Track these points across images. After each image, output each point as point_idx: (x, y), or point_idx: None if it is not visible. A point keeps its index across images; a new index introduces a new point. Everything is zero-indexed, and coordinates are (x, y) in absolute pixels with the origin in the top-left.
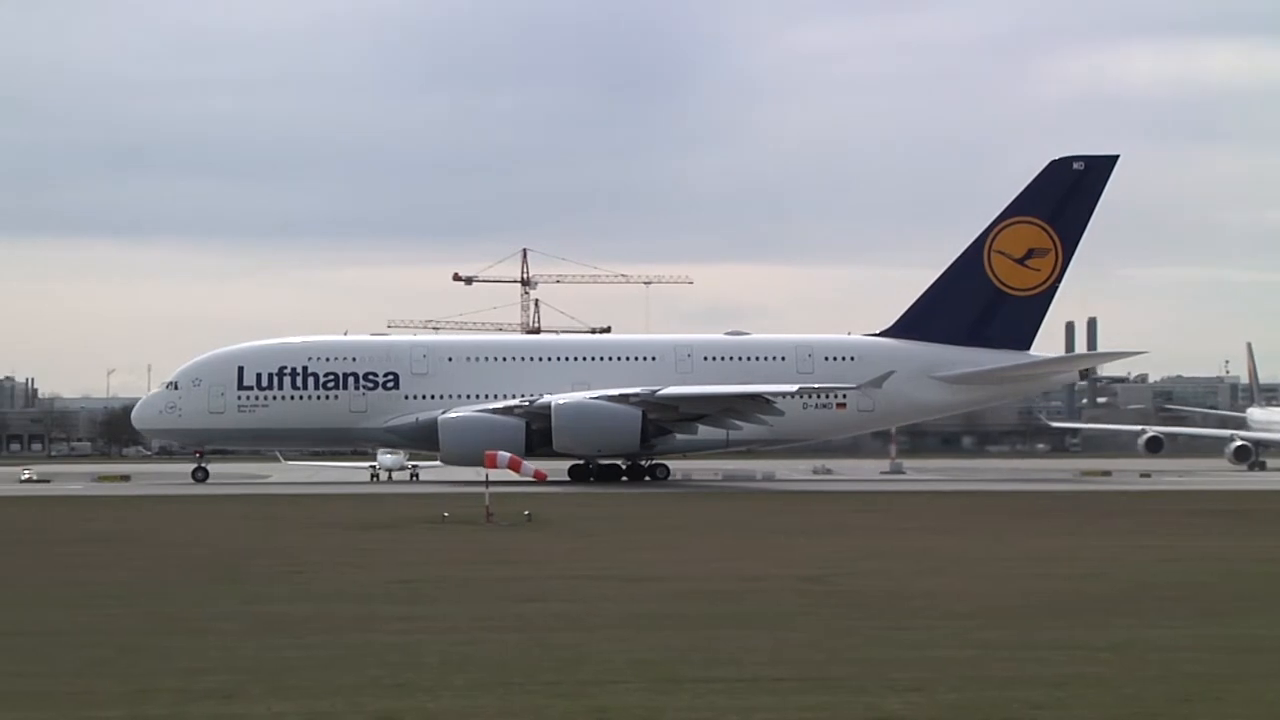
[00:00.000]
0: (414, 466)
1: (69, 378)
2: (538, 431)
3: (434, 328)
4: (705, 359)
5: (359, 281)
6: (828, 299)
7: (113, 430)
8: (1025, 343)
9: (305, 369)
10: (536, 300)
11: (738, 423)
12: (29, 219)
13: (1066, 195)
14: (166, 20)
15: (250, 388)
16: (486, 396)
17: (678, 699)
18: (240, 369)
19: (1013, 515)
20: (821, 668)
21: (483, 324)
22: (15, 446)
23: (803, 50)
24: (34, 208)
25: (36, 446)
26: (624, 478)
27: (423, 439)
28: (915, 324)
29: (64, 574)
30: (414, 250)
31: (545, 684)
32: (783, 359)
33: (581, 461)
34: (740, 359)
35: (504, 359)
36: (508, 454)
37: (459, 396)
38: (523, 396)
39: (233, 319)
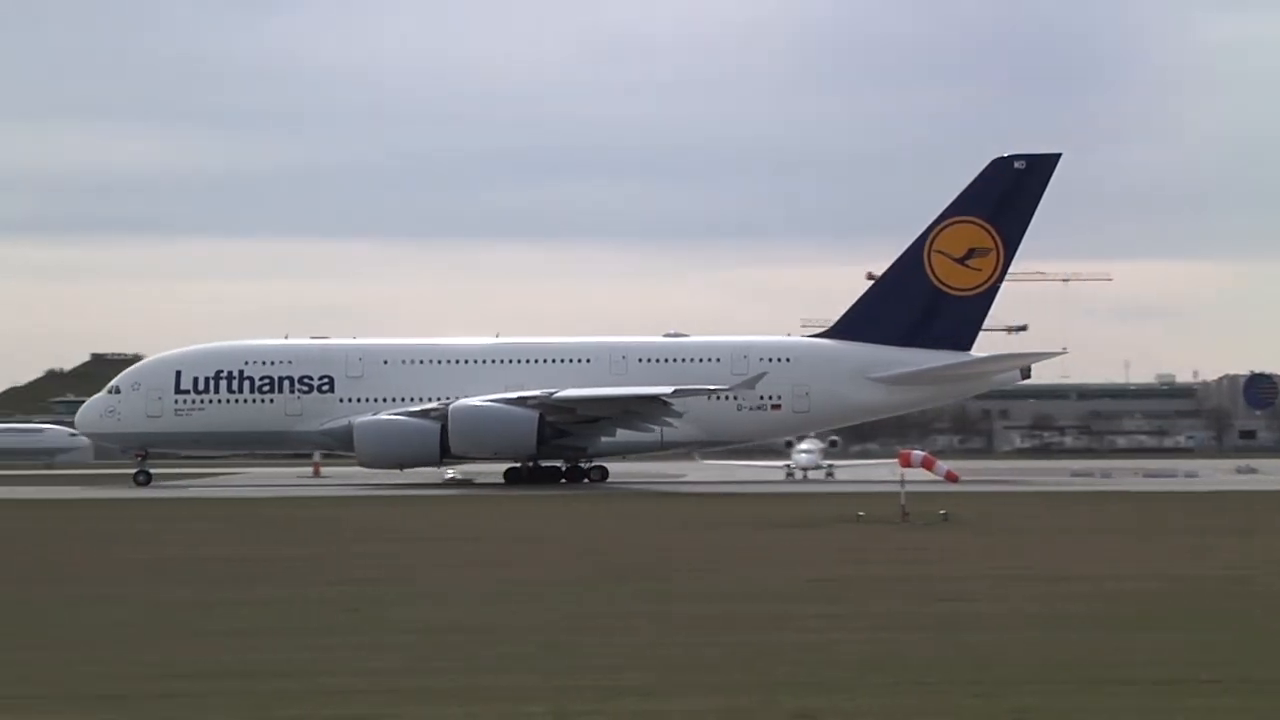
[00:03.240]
0: (829, 465)
1: None
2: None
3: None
4: (640, 361)
5: (770, 281)
6: (1257, 295)
7: None
8: (966, 343)
9: (241, 373)
10: None
11: (650, 425)
12: (456, 221)
13: (1007, 194)
14: (584, 24)
15: (187, 392)
16: (421, 400)
17: (1098, 700)
18: (178, 373)
19: None
20: (1249, 670)
21: None
22: None
23: (1220, 41)
24: (462, 210)
25: None
26: (563, 480)
27: (351, 442)
28: (855, 325)
29: (482, 572)
30: (826, 250)
31: (963, 684)
32: (718, 360)
33: (517, 465)
34: (675, 360)
35: (440, 362)
36: (921, 453)
37: (393, 400)
38: (439, 400)
39: (656, 316)
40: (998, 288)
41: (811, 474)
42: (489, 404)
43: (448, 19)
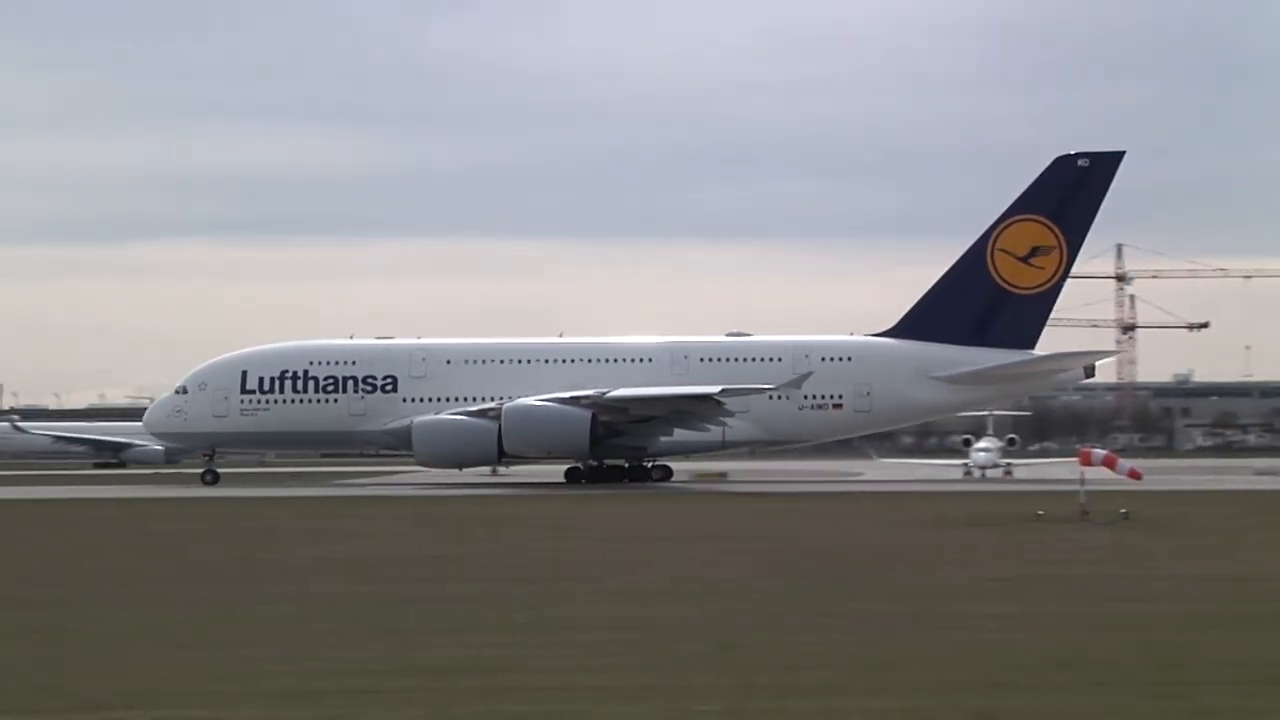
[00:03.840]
0: (1008, 464)
1: None
2: None
3: None
4: (701, 360)
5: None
6: None
7: None
8: (1029, 342)
9: (306, 373)
10: (1132, 296)
11: (705, 424)
12: (650, 220)
13: (1071, 192)
14: (771, 21)
15: (253, 392)
16: (483, 399)
17: None
18: (244, 373)
19: None
20: None
21: (1074, 320)
22: None
23: None
24: (660, 209)
25: None
26: (626, 479)
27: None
28: (917, 324)
29: (674, 570)
30: None
31: (1144, 685)
32: (779, 360)
33: (578, 466)
34: (736, 360)
35: (502, 361)
36: (1102, 451)
37: (456, 400)
38: (500, 400)
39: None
40: (1061, 286)
41: (990, 472)
42: (542, 404)
43: (634, 17)
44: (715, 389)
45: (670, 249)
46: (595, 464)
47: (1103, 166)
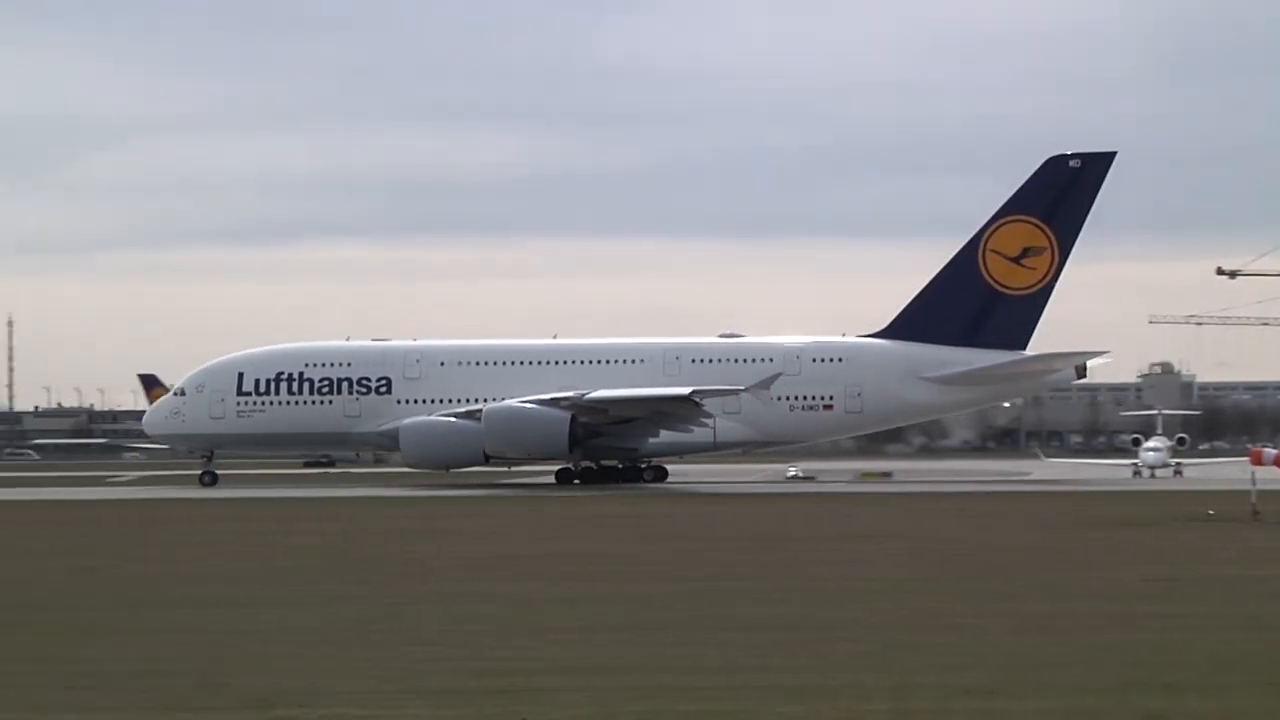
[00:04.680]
0: (1177, 464)
1: None
2: None
3: (1196, 322)
4: (693, 361)
5: (1115, 276)
6: None
7: None
8: (1021, 343)
9: (301, 374)
10: None
11: (686, 425)
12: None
13: (1062, 193)
14: (928, 20)
15: (249, 393)
16: (476, 400)
17: None
18: (240, 375)
19: None
20: None
21: (1247, 319)
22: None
23: None
24: (806, 210)
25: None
26: (618, 480)
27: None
28: (909, 325)
29: (828, 570)
30: (1170, 244)
31: None
32: (770, 361)
33: (569, 467)
34: (728, 361)
35: (495, 363)
36: (1274, 450)
37: (450, 401)
38: (490, 401)
39: None
40: (1052, 287)
41: (1159, 472)
42: (522, 405)
43: (791, 15)
44: (686, 390)
45: (821, 247)
46: (591, 465)
47: (1094, 167)
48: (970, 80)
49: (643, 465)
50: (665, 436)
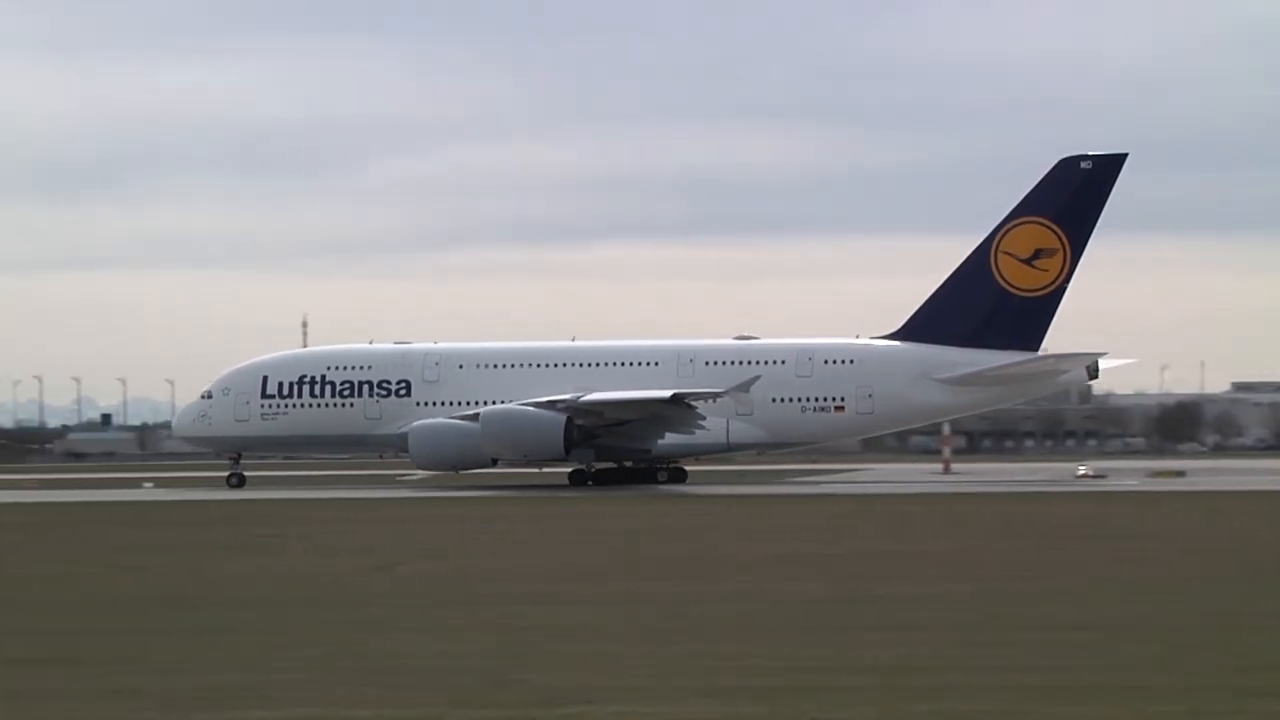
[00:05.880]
0: None
1: (1124, 375)
2: None
3: None
4: (706, 364)
5: None
6: None
7: (1165, 426)
8: (1033, 344)
9: (323, 378)
10: None
11: (683, 427)
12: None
13: (1074, 195)
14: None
15: (272, 396)
16: (492, 403)
17: None
18: (264, 379)
19: None
20: None
21: None
22: (1070, 442)
23: None
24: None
25: (1091, 442)
26: (632, 481)
27: None
28: (921, 327)
29: (1112, 571)
30: None
31: None
32: (782, 363)
33: (582, 468)
34: (741, 363)
35: (512, 366)
36: None
37: (467, 403)
38: (502, 403)
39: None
40: (1065, 288)
41: None
42: (518, 408)
43: (1086, 9)
44: (668, 393)
45: (1133, 245)
46: (615, 465)
47: (1106, 169)
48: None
49: (659, 467)
50: (674, 438)
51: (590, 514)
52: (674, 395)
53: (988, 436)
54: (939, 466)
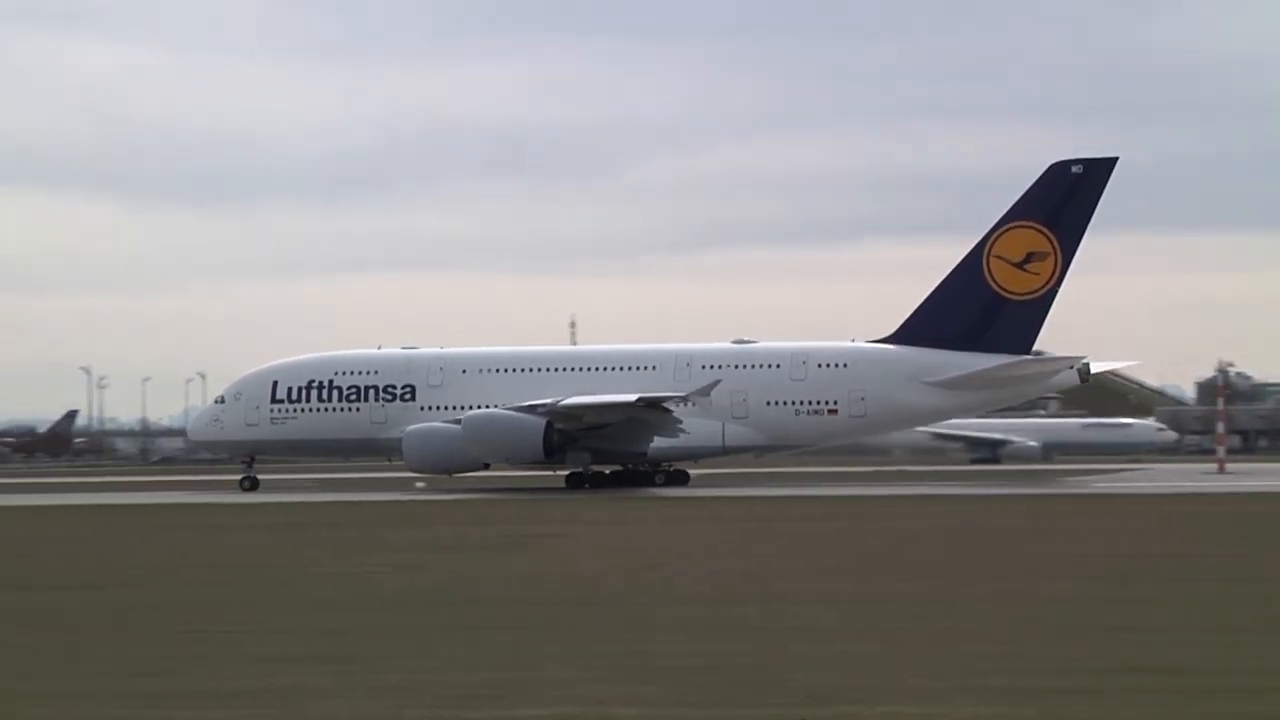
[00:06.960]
0: None
1: None
2: None
3: None
4: (703, 367)
5: None
6: None
7: None
8: (1025, 347)
9: (331, 382)
10: None
11: (663, 431)
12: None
13: (1065, 198)
14: None
15: (282, 401)
16: (496, 408)
17: None
18: (274, 383)
19: None
20: None
21: None
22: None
23: None
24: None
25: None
26: (628, 484)
27: None
28: (913, 330)
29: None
30: None
31: None
32: (777, 366)
33: (579, 470)
34: (737, 367)
35: (514, 370)
36: None
37: (471, 407)
38: (490, 408)
39: None
40: (1056, 292)
41: None
42: (499, 411)
43: None
44: (632, 397)
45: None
46: (621, 469)
47: (1096, 173)
48: None
49: (656, 470)
50: (668, 441)
51: (767, 515)
52: (639, 399)
53: (1263, 435)
54: (1213, 466)
